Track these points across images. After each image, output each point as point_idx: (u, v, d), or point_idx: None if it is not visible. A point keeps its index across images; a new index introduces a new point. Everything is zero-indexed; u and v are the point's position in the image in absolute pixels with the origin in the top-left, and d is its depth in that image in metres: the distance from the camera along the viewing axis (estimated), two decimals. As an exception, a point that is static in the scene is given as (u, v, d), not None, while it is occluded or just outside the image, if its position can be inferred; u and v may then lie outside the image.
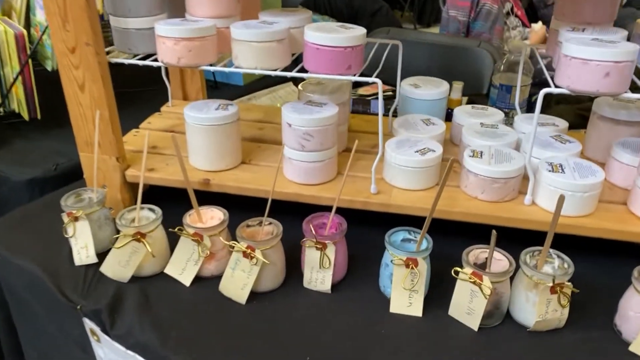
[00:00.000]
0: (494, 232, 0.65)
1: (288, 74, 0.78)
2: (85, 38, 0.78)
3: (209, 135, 0.86)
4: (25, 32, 1.17)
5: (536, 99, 0.70)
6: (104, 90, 0.82)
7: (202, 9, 0.83)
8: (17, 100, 1.25)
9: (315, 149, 0.82)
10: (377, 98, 1.43)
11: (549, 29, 2.95)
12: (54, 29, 0.78)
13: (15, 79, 1.19)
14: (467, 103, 1.53)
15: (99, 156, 0.86)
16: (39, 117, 1.26)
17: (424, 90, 0.97)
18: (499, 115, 0.96)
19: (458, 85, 1.16)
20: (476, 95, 1.83)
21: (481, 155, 0.80)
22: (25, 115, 1.25)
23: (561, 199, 0.60)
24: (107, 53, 0.83)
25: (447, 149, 0.94)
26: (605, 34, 0.75)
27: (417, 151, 0.82)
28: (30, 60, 1.20)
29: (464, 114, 0.96)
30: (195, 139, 0.87)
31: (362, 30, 0.76)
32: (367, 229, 0.84)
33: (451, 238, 0.79)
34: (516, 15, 2.80)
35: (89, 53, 0.79)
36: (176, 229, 0.76)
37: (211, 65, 0.81)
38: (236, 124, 0.88)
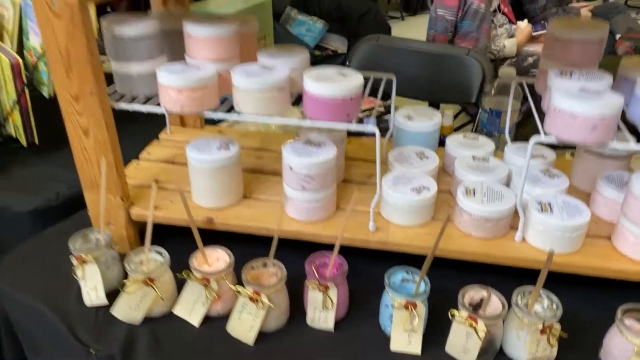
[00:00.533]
0: (489, 289, 0.70)
1: (289, 122, 0.81)
2: (89, 87, 0.80)
3: (212, 175, 0.88)
4: (20, 60, 1.18)
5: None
6: (108, 136, 0.84)
7: (202, 53, 0.85)
8: (14, 126, 1.26)
9: (316, 189, 0.85)
10: (369, 116, 1.46)
11: (534, 27, 2.96)
12: (57, 77, 0.80)
13: (12, 108, 1.19)
14: (458, 113, 1.57)
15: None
16: (36, 142, 1.27)
17: (418, 123, 1.00)
18: (490, 145, 1.00)
19: (449, 112, 1.20)
20: (466, 104, 1.87)
21: (474, 194, 0.84)
22: (23, 141, 1.26)
23: (550, 254, 0.64)
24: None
25: (441, 179, 0.98)
26: (592, 78, 0.79)
27: (412, 189, 0.86)
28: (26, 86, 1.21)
29: (456, 144, 1.00)
30: (199, 179, 0.90)
31: (359, 80, 0.79)
32: (365, 261, 0.87)
33: (443, 270, 0.83)
34: (503, 13, 2.83)
35: (92, 102, 0.81)
36: (184, 273, 0.79)
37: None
38: (238, 161, 0.91)
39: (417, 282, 0.74)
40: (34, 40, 1.24)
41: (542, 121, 0.79)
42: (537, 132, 0.76)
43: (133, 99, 0.88)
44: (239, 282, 0.80)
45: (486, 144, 1.00)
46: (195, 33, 0.83)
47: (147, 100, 0.88)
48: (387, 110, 1.35)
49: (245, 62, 0.88)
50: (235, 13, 1.62)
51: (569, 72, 0.81)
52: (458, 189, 0.86)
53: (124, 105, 0.85)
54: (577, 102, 0.70)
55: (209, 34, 0.83)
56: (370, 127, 0.78)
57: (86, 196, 0.91)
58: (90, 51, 0.77)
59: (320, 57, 2.53)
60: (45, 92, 1.25)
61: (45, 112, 1.25)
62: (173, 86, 0.79)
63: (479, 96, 1.77)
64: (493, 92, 1.18)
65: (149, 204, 0.92)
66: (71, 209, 1.10)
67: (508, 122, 1.04)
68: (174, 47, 0.90)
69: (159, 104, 0.84)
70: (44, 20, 0.75)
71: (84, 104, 0.81)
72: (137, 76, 0.85)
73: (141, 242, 0.95)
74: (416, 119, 1.01)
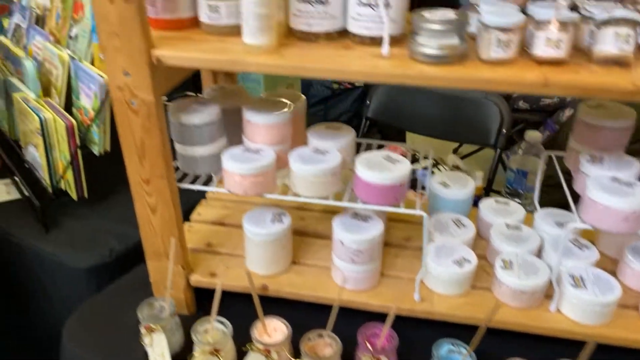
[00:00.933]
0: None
1: (341, 204, 0.88)
2: (159, 172, 0.87)
3: (267, 246, 0.96)
4: (75, 123, 1.25)
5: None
6: (174, 213, 0.91)
7: (260, 137, 0.92)
8: (65, 181, 1.33)
9: (365, 262, 0.92)
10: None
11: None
12: (130, 163, 0.87)
13: (66, 169, 1.27)
14: (474, 152, 1.63)
15: (165, 263, 0.95)
16: (86, 196, 1.34)
17: (453, 190, 1.07)
18: (520, 212, 1.07)
19: (479, 174, 1.27)
20: (484, 146, 1.94)
21: (511, 266, 0.91)
22: (74, 195, 1.33)
23: (591, 347, 0.71)
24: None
25: (476, 244, 1.04)
26: (622, 166, 0.86)
27: (454, 262, 0.93)
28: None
29: (489, 210, 1.07)
30: (254, 249, 0.97)
31: (407, 167, 0.86)
32: (408, 325, 0.94)
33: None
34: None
35: (162, 184, 0.88)
36: (248, 346, 0.87)
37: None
38: (289, 232, 0.98)
39: (464, 357, 0.81)
40: (85, 102, 1.32)
41: (574, 199, 0.86)
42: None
43: (195, 178, 0.96)
44: (294, 347, 0.88)
45: (517, 210, 1.08)
46: (255, 120, 0.91)
47: (208, 180, 0.95)
48: (413, 159, 1.43)
49: (296, 141, 0.96)
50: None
51: (599, 158, 0.88)
52: (496, 262, 0.93)
53: (188, 186, 0.93)
54: (609, 197, 0.77)
55: (267, 121, 0.90)
56: (419, 211, 0.85)
57: (149, 264, 0.99)
58: (162, 142, 0.84)
59: (339, 90, 2.60)
60: (96, 150, 1.32)
61: (94, 167, 1.33)
62: (237, 173, 0.86)
63: (497, 138, 1.85)
64: (521, 152, 1.25)
65: (207, 270, 1.01)
66: (124, 265, 1.18)
67: (537, 191, 1.10)
68: (230, 124, 0.98)
69: (211, 184, 0.92)
70: (123, 115, 0.83)
71: (153, 186, 0.88)
72: (200, 158, 0.93)
73: (197, 304, 1.03)
74: (452, 187, 1.08)
